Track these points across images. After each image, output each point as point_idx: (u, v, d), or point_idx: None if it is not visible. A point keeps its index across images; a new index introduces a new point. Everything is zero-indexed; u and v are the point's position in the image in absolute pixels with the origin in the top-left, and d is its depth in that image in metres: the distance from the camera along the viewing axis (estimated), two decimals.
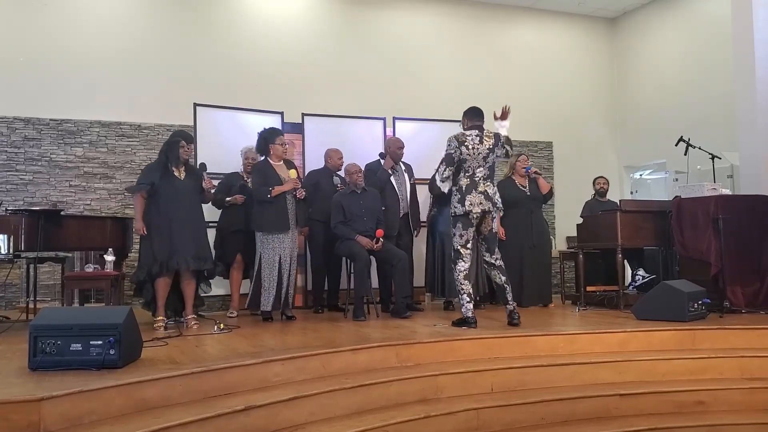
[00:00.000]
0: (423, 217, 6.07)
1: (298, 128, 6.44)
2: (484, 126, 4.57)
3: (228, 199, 5.43)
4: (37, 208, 5.03)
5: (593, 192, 6.75)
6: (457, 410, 3.29)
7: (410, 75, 8.20)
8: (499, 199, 4.52)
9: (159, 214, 4.46)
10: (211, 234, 5.64)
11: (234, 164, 5.74)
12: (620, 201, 5.94)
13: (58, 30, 6.92)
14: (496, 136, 4.50)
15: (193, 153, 4.87)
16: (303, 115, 6.45)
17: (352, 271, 5.14)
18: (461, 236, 4.45)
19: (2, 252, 4.57)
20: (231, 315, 5.42)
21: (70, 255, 5.97)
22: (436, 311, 5.75)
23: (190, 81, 7.15)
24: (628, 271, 6.37)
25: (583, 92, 9.17)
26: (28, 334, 3.03)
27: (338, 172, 5.84)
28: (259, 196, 4.93)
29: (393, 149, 5.72)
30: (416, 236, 5.92)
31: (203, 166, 4.91)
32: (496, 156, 4.50)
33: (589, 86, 9.24)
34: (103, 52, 7.02)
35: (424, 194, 6.10)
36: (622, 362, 3.85)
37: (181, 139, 4.62)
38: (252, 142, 5.75)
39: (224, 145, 5.93)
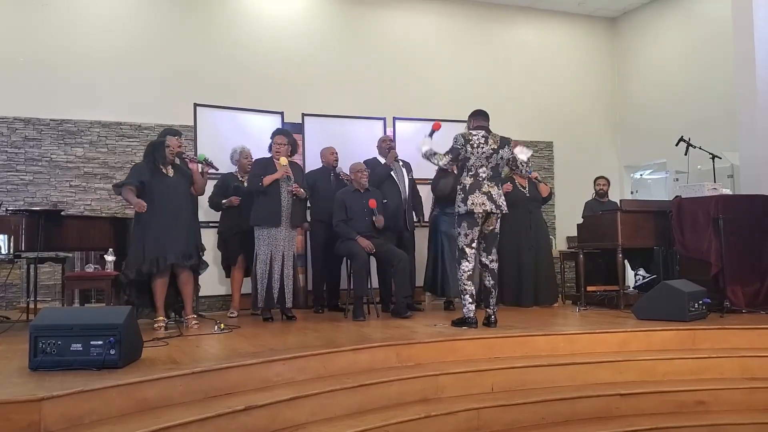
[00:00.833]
0: (426, 216, 6.10)
1: (298, 128, 6.44)
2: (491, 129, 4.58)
3: (224, 201, 5.44)
4: (38, 209, 5.03)
5: (594, 192, 6.74)
6: (457, 410, 3.29)
7: (410, 75, 8.20)
8: (504, 202, 4.53)
9: (150, 212, 4.42)
10: (212, 234, 5.65)
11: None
12: (620, 201, 5.94)
13: (58, 30, 6.92)
14: (503, 139, 4.52)
15: (180, 146, 4.79)
16: (303, 115, 6.45)
17: (352, 270, 5.14)
18: (466, 235, 4.45)
19: (3, 252, 4.57)
20: (231, 315, 5.43)
21: (70, 255, 5.97)
22: (437, 311, 5.75)
23: (190, 81, 7.16)
24: (629, 272, 6.37)
25: (583, 92, 9.18)
26: (28, 335, 3.03)
27: (335, 170, 5.87)
28: (252, 185, 4.96)
29: (378, 144, 5.91)
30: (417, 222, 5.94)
31: (180, 154, 4.76)
32: (501, 158, 4.50)
33: (590, 86, 9.24)
34: (103, 52, 7.03)
35: (425, 194, 6.11)
36: (623, 362, 3.85)
37: (166, 138, 4.61)
38: (252, 142, 5.77)
39: (224, 146, 5.92)
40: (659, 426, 3.43)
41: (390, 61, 8.16)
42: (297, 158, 6.31)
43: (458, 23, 8.66)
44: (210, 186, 5.58)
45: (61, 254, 5.60)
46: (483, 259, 4.56)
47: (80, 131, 6.91)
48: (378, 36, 8.22)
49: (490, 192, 4.43)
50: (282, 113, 6.40)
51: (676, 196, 5.51)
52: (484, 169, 4.45)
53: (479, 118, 4.59)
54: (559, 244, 8.09)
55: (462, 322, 4.39)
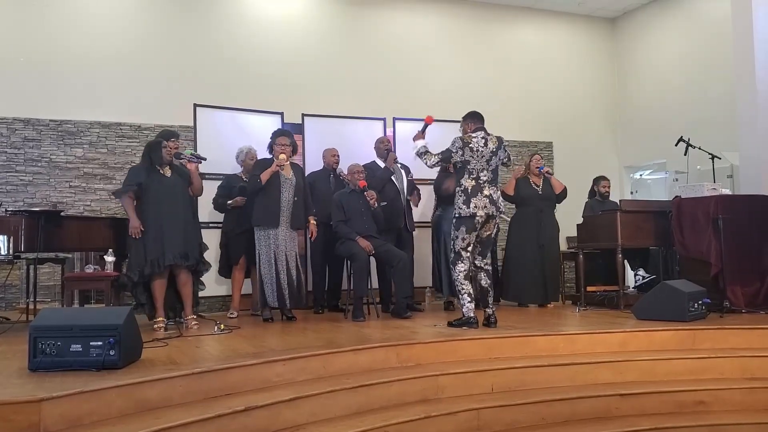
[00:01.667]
0: (427, 218, 6.13)
1: (298, 128, 6.44)
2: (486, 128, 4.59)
3: (230, 202, 5.44)
4: (37, 209, 5.02)
5: (594, 191, 6.71)
6: (457, 410, 3.29)
7: (410, 75, 8.20)
8: (503, 204, 4.55)
9: (148, 213, 4.43)
10: (216, 235, 5.65)
11: (234, 164, 5.74)
12: (620, 201, 5.94)
13: (58, 30, 6.92)
14: (499, 139, 4.53)
15: (177, 147, 4.79)
16: (303, 115, 6.45)
17: (352, 271, 5.14)
18: (463, 239, 4.44)
19: (2, 253, 4.56)
20: (231, 315, 5.42)
21: (70, 256, 5.98)
22: (437, 311, 5.76)
23: (190, 81, 7.16)
24: (629, 272, 6.37)
25: (583, 92, 9.18)
26: (28, 335, 3.03)
27: (336, 171, 5.88)
28: (252, 184, 4.96)
29: (376, 145, 5.91)
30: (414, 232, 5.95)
31: (177, 154, 4.76)
32: (499, 159, 4.51)
33: (590, 86, 9.25)
34: (103, 52, 7.03)
35: (426, 194, 6.11)
36: (623, 362, 3.85)
37: (163, 139, 4.61)
38: (252, 142, 5.76)
39: (224, 146, 5.93)
40: (659, 426, 3.43)
41: (390, 62, 8.16)
42: (297, 158, 6.33)
43: (458, 23, 8.66)
44: (214, 187, 5.60)
45: (61, 255, 5.60)
46: (478, 263, 4.56)
47: (80, 132, 6.91)
48: (378, 36, 8.23)
49: (491, 195, 4.43)
50: (282, 113, 6.40)
51: (676, 197, 5.51)
52: (485, 172, 4.44)
53: (476, 119, 4.57)
54: (560, 244, 8.08)
55: (463, 322, 4.39)
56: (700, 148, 6.04)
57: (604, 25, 9.43)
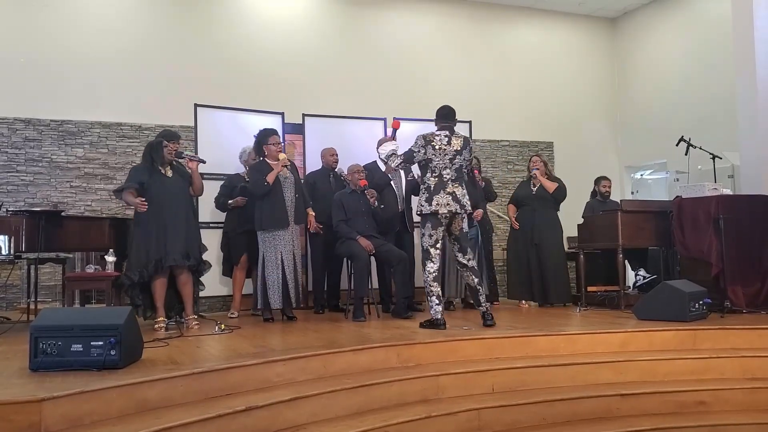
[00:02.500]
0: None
1: (298, 129, 6.45)
2: (455, 128, 4.60)
3: (230, 202, 5.44)
4: (38, 209, 5.03)
5: (595, 192, 6.71)
6: (458, 410, 3.29)
7: (410, 75, 8.21)
8: (468, 202, 4.53)
9: (149, 213, 4.42)
10: (217, 235, 5.66)
11: (235, 165, 5.74)
12: (621, 201, 5.94)
13: (58, 31, 6.92)
14: (465, 139, 4.54)
15: (177, 148, 4.77)
16: (303, 115, 6.46)
17: (353, 271, 5.14)
18: (431, 236, 4.44)
19: (3, 253, 4.57)
20: (232, 315, 5.42)
21: (70, 256, 5.97)
22: None
23: (190, 81, 7.15)
24: (630, 272, 6.37)
25: (583, 92, 9.18)
26: (28, 335, 3.03)
27: (335, 171, 5.88)
28: (258, 188, 4.94)
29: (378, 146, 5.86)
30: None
31: (178, 153, 4.75)
32: (464, 159, 4.50)
33: (590, 86, 9.24)
34: (103, 52, 7.03)
35: None
36: (623, 362, 3.85)
37: (164, 139, 4.61)
38: (252, 142, 5.76)
39: (225, 146, 5.93)
40: (660, 426, 3.43)
41: (390, 62, 8.16)
42: (297, 159, 6.33)
43: (458, 23, 8.66)
44: (217, 186, 5.60)
45: (62, 255, 5.60)
46: (461, 260, 4.56)
47: (80, 132, 6.91)
48: (378, 36, 8.23)
49: (454, 192, 4.43)
50: (282, 114, 6.40)
51: (677, 197, 5.50)
52: (448, 170, 4.45)
53: (443, 118, 4.58)
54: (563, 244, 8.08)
55: (430, 323, 4.38)
56: (700, 148, 6.03)
57: (604, 25, 9.42)
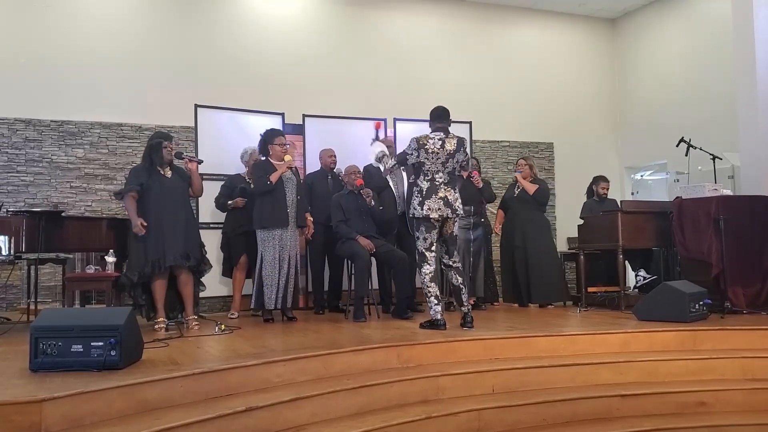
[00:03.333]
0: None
1: (299, 129, 6.45)
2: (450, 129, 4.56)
3: (230, 202, 5.44)
4: (38, 210, 5.02)
5: (592, 191, 6.69)
6: (458, 411, 3.29)
7: (411, 76, 8.20)
8: (460, 206, 4.50)
9: (149, 214, 4.43)
10: (216, 235, 5.66)
11: (236, 165, 5.74)
12: (621, 202, 5.94)
13: (59, 31, 6.92)
14: (460, 140, 4.49)
15: (177, 149, 4.76)
16: (304, 116, 6.46)
17: (353, 271, 5.14)
18: (425, 239, 4.43)
19: (3, 253, 4.57)
20: (232, 316, 5.42)
21: (71, 256, 5.97)
22: None
23: (191, 82, 7.16)
24: (630, 273, 6.37)
25: (583, 93, 9.18)
26: (29, 336, 3.03)
27: (334, 172, 5.88)
28: (260, 186, 4.94)
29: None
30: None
31: (178, 154, 4.78)
32: (457, 161, 4.47)
33: (590, 87, 9.24)
34: (104, 53, 7.03)
35: None
36: (624, 363, 3.84)
37: (163, 139, 4.61)
38: (253, 143, 5.76)
39: (225, 146, 5.93)
40: (660, 427, 3.43)
41: (390, 62, 8.16)
42: (298, 159, 6.33)
43: (458, 24, 8.66)
44: (216, 186, 5.60)
45: (62, 255, 5.59)
46: (446, 261, 4.57)
47: (81, 132, 6.91)
48: (378, 37, 8.22)
49: (446, 197, 4.41)
50: (283, 114, 6.41)
51: (677, 197, 5.51)
52: (441, 174, 4.42)
53: (437, 119, 4.51)
54: (560, 245, 8.07)
55: (431, 324, 4.38)
56: (701, 149, 6.03)
57: (604, 25, 9.42)
